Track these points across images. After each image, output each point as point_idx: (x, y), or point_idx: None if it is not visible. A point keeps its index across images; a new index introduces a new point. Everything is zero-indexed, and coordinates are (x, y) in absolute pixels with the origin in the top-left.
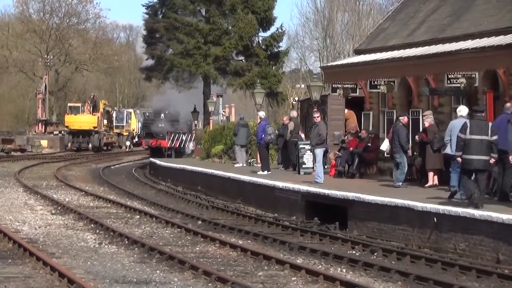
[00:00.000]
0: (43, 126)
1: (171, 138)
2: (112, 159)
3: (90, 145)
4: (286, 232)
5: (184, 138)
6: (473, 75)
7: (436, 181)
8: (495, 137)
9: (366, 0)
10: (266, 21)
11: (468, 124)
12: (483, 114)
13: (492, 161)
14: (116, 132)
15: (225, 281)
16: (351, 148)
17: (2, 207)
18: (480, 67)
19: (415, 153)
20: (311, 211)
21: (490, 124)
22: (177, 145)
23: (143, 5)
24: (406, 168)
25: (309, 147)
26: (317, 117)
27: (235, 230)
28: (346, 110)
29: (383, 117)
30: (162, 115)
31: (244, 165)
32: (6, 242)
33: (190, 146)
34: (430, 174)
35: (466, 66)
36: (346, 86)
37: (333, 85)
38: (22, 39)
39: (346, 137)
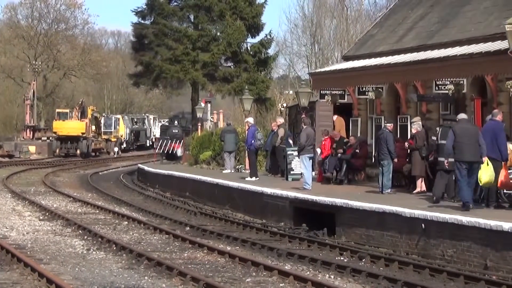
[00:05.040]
0: (31, 132)
1: (159, 144)
2: (100, 165)
3: (78, 151)
4: (274, 238)
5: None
6: (461, 82)
7: (424, 188)
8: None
9: (354, 7)
10: (254, 28)
11: (439, 131)
12: (449, 123)
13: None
14: (104, 138)
15: None
16: (339, 155)
17: None
18: (468, 74)
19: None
20: (299, 217)
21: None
22: (167, 151)
23: (132, 11)
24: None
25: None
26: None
27: (223, 236)
28: (335, 117)
29: (371, 123)
30: (176, 122)
31: (232, 171)
32: None
33: (179, 152)
34: (418, 180)
35: (454, 73)
36: (334, 92)
37: (322, 91)
38: (10, 45)
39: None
